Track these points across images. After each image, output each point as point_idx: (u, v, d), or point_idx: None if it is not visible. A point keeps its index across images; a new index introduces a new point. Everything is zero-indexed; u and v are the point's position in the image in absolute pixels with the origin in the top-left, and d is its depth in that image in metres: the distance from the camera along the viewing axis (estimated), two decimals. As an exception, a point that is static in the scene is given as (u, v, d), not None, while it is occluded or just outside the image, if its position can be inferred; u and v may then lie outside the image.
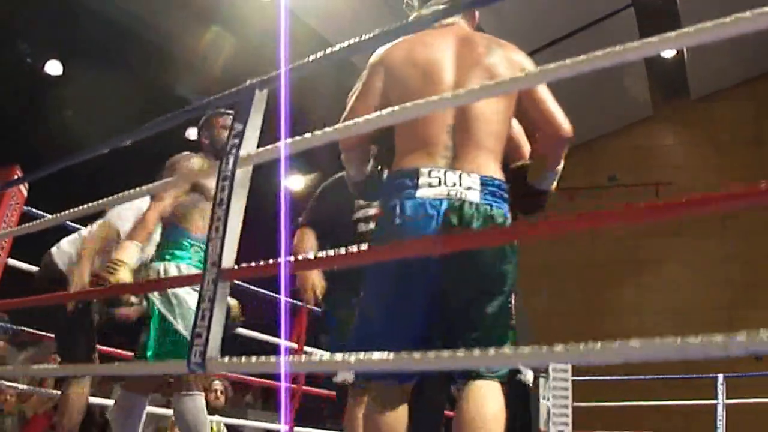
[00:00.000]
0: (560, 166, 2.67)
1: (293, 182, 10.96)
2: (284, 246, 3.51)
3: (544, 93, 2.51)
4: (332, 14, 8.28)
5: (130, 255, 3.52)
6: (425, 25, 2.46)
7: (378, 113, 1.97)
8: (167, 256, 3.78)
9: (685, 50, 9.68)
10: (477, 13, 2.81)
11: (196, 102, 2.74)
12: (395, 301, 2.37)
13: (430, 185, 2.30)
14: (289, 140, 2.06)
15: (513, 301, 2.47)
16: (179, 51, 8.70)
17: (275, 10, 7.42)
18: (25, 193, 4.04)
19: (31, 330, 5.04)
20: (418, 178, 2.32)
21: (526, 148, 2.85)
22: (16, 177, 3.91)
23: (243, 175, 2.03)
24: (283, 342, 5.70)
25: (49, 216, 3.67)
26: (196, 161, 3.88)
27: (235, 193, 1.98)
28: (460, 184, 2.31)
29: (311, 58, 2.14)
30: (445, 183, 2.31)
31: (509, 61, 2.51)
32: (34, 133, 8.63)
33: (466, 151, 2.37)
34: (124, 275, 3.42)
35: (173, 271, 3.72)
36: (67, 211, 3.09)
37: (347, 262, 2.14)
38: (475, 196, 2.31)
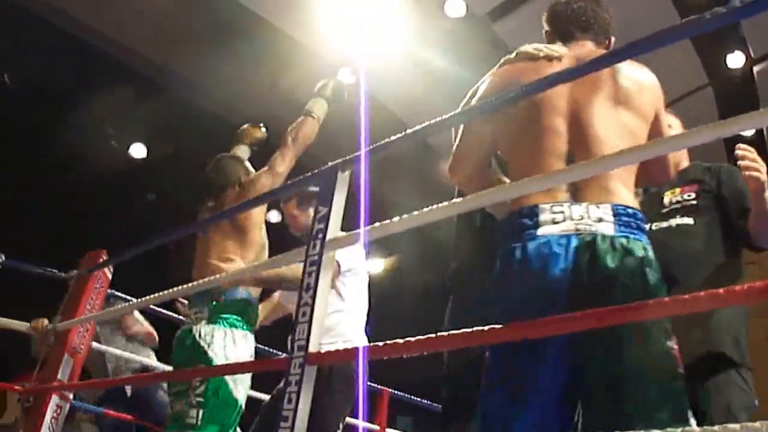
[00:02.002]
0: None
1: (373, 265, 11.00)
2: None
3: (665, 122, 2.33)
4: (409, 97, 8.39)
5: None
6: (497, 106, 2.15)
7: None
8: (229, 320, 3.46)
9: (765, 129, 9.53)
10: (613, 38, 2.51)
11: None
12: (522, 382, 1.96)
13: (554, 221, 1.99)
14: (370, 227, 2.05)
15: (675, 346, 1.93)
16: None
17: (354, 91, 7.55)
18: (110, 277, 4.10)
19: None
20: (538, 216, 2.01)
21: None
22: (101, 260, 3.98)
23: (329, 259, 2.04)
24: (361, 424, 5.64)
25: (134, 300, 3.74)
26: None
27: (322, 276, 1.99)
28: (589, 217, 1.98)
29: (392, 138, 2.16)
30: (570, 217, 1.99)
31: (638, 83, 2.24)
32: (119, 215, 8.84)
33: (590, 181, 2.04)
34: None
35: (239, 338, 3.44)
36: (151, 296, 3.15)
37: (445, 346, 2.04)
38: (608, 228, 1.97)
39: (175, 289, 2.90)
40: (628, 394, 1.84)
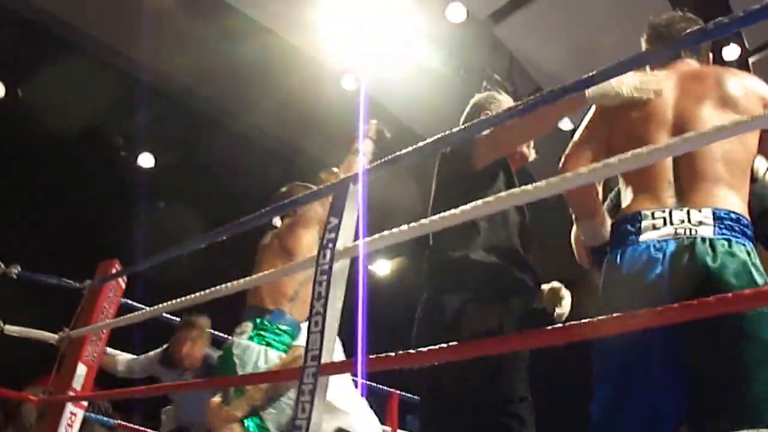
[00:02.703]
0: None
1: (379, 267, 11.04)
2: (361, 340, 3.54)
3: None
4: (411, 102, 8.43)
5: None
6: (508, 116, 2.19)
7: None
8: (267, 338, 3.52)
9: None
10: (711, 55, 2.58)
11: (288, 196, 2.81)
12: (626, 390, 1.99)
13: (654, 227, 2.05)
14: (370, 238, 2.10)
15: None
16: (267, 142, 8.94)
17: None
18: (124, 286, 4.15)
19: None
20: (641, 222, 2.08)
21: None
22: (114, 271, 4.03)
23: (340, 269, 2.08)
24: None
25: (147, 309, 3.79)
26: None
27: (333, 286, 2.03)
28: (689, 221, 2.02)
29: (401, 153, 2.21)
30: (671, 222, 2.04)
31: (744, 88, 2.25)
32: (129, 225, 8.89)
33: (694, 186, 2.09)
34: None
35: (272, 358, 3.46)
36: (164, 304, 3.20)
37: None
38: (708, 231, 1.99)
39: (185, 297, 2.95)
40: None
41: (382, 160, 2.24)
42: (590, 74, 1.83)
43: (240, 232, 2.78)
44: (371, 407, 3.84)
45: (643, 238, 2.05)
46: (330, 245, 2.11)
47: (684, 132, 1.94)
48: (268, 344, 3.46)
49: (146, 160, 9.34)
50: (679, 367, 1.92)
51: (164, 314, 4.44)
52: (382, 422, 5.82)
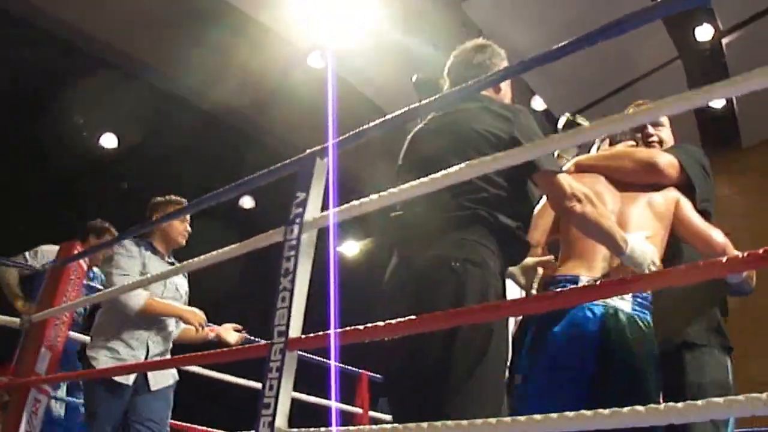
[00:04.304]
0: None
1: (348, 248, 11.02)
2: (334, 315, 3.50)
3: (689, 214, 2.84)
4: (380, 79, 8.39)
5: None
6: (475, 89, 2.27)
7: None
8: None
9: (734, 99, 9.60)
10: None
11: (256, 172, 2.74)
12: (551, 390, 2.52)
13: None
14: (339, 208, 2.07)
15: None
16: (233, 121, 8.86)
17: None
18: (86, 268, 4.08)
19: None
20: (577, 284, 2.60)
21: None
22: (76, 252, 3.95)
23: (307, 242, 2.04)
24: (334, 405, 5.64)
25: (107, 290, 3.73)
26: None
27: (301, 261, 1.99)
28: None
29: (369, 125, 2.17)
30: None
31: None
32: (93, 206, 8.78)
33: (619, 268, 2.62)
34: None
35: None
36: (125, 284, 3.14)
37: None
38: (627, 306, 2.56)
39: (147, 277, 2.89)
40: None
41: (349, 134, 2.19)
42: (557, 46, 1.81)
43: (204, 209, 2.73)
44: (341, 388, 3.84)
45: None
46: (297, 220, 2.07)
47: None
48: None
49: (109, 140, 9.22)
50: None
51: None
52: (352, 403, 5.81)
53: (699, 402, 1.24)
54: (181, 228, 4.24)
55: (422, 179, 1.94)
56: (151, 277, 3.57)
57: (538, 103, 9.45)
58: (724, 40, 8.82)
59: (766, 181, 10.84)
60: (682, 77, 9.11)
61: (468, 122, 2.57)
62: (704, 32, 8.65)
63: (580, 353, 2.49)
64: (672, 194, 2.89)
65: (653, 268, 2.53)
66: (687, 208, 2.88)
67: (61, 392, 5.03)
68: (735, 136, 10.69)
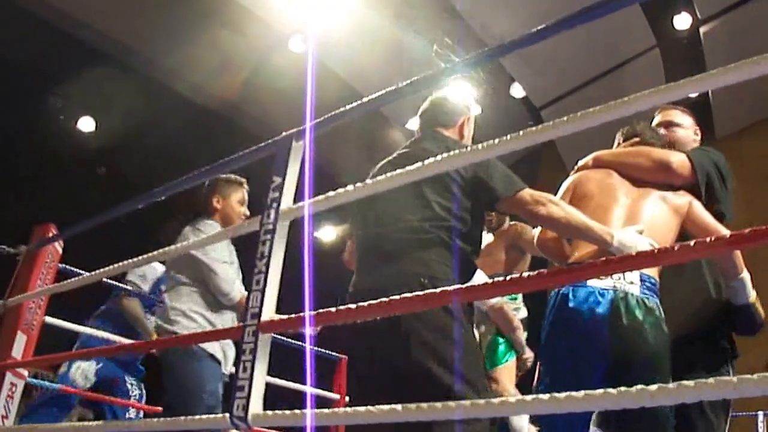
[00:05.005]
0: (743, 275, 3.03)
1: (325, 233, 11.00)
2: (308, 297, 3.50)
3: (701, 215, 2.98)
4: (359, 64, 8.37)
5: None
6: (452, 73, 2.35)
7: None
8: None
9: (709, 90, 9.66)
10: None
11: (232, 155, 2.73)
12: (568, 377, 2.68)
13: (599, 277, 2.72)
14: (314, 199, 2.06)
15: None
16: (212, 105, 8.82)
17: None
18: (60, 251, 4.05)
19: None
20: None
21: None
22: (51, 235, 3.92)
23: (283, 228, 2.03)
24: (309, 389, 5.66)
25: (86, 274, 3.70)
26: None
27: (276, 246, 1.99)
28: (624, 279, 2.74)
29: (344, 108, 2.16)
30: (611, 276, 2.73)
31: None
32: (69, 190, 8.72)
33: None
34: None
35: None
36: (102, 270, 3.12)
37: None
38: (636, 289, 2.73)
39: (126, 261, 2.88)
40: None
41: (325, 116, 2.19)
42: (535, 29, 1.81)
43: (180, 192, 2.71)
44: (319, 373, 3.88)
45: (590, 283, 2.74)
46: (274, 205, 2.06)
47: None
48: None
49: (86, 123, 9.15)
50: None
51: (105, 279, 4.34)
52: (330, 389, 5.81)
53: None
54: (240, 210, 4.28)
55: (399, 171, 1.94)
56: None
57: (518, 90, 9.46)
58: (702, 29, 8.87)
59: (740, 171, 10.85)
60: (660, 65, 9.16)
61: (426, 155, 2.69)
62: (682, 21, 8.70)
63: (594, 336, 2.67)
64: (686, 196, 3.03)
65: None
66: (699, 209, 3.02)
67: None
68: (709, 126, 10.76)
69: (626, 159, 3.15)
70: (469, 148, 1.85)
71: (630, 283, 2.73)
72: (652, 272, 2.80)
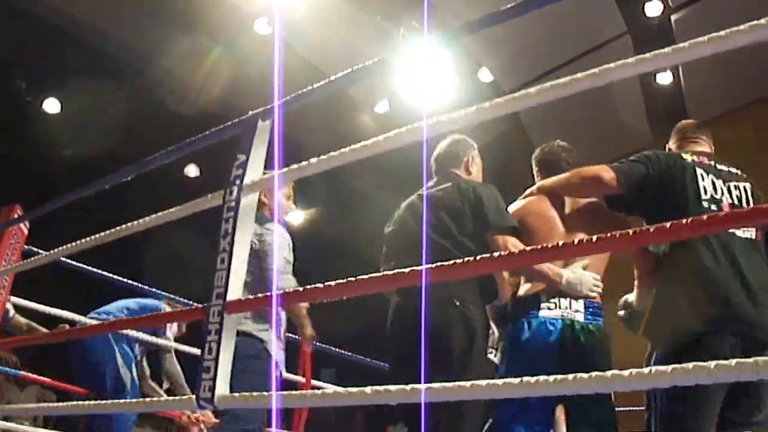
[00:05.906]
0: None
1: (292, 217, 10.95)
2: (275, 276, 3.49)
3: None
4: (327, 47, 8.34)
5: None
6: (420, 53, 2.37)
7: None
8: None
9: (681, 77, 9.69)
10: None
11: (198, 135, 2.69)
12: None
13: (549, 308, 3.21)
14: (285, 169, 2.06)
15: None
16: (178, 88, 8.74)
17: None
18: (26, 232, 3.99)
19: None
20: (539, 304, 3.23)
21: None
22: (16, 216, 3.87)
23: (248, 205, 2.01)
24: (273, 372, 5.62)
25: (46, 253, 3.66)
26: None
27: (240, 224, 1.96)
28: (570, 308, 3.22)
29: (314, 86, 2.15)
30: (559, 307, 3.22)
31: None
32: (34, 171, 8.63)
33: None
34: None
35: None
36: (63, 247, 3.08)
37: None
38: (580, 317, 3.22)
39: (89, 238, 2.85)
40: None
41: (291, 95, 2.17)
42: (502, 8, 1.81)
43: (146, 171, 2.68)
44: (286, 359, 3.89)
45: (541, 314, 3.22)
46: (237, 182, 2.04)
47: None
48: None
49: (52, 105, 9.03)
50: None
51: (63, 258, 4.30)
52: (295, 372, 5.77)
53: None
54: (287, 204, 4.18)
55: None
56: None
57: (485, 75, 9.44)
58: (673, 17, 8.90)
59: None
60: (630, 52, 9.17)
61: (445, 194, 3.49)
62: (653, 8, 8.72)
63: (546, 360, 3.08)
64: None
65: (596, 290, 3.24)
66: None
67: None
68: (682, 114, 10.80)
69: (563, 182, 3.39)
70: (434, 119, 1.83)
71: (575, 311, 3.22)
72: (597, 297, 3.29)
